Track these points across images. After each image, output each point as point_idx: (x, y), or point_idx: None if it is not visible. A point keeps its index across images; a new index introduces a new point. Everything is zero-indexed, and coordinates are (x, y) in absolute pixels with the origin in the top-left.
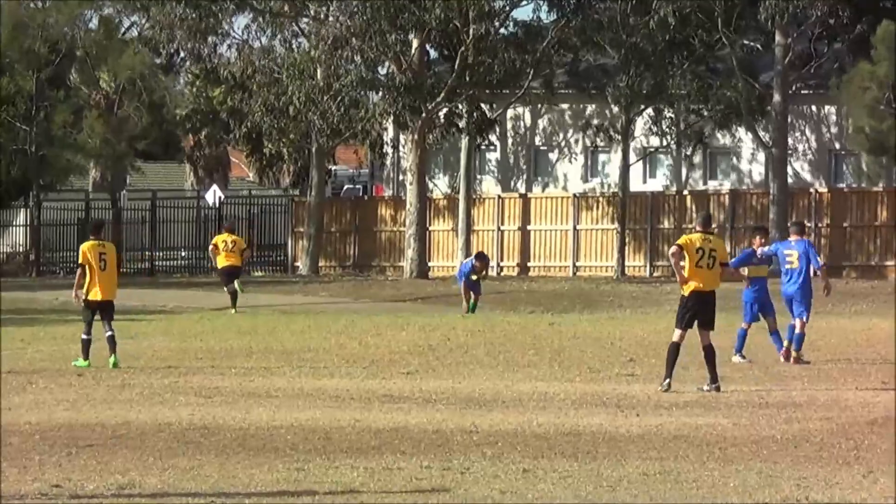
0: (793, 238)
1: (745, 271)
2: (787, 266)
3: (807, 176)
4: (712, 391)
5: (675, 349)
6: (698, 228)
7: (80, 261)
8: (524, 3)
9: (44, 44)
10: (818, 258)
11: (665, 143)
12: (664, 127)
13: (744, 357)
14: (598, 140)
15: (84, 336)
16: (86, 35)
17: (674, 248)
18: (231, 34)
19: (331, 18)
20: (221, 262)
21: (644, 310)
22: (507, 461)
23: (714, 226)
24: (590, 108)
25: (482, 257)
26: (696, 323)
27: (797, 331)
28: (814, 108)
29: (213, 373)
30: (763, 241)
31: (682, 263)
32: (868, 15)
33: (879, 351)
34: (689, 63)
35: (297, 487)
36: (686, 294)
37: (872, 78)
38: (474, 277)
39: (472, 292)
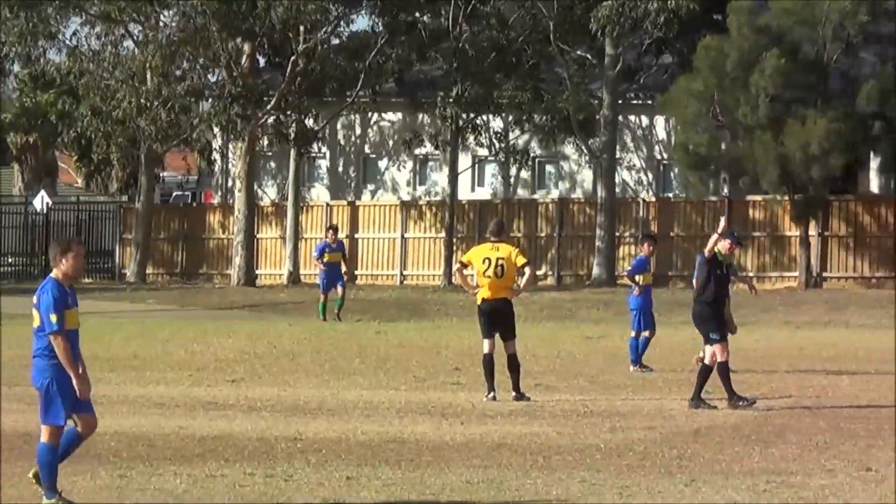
0: None
1: (640, 279)
2: None
3: (635, 185)
4: (523, 400)
5: (487, 360)
6: (491, 237)
7: None
8: (357, 12)
9: None
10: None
11: (493, 152)
12: (492, 137)
13: (644, 367)
14: (427, 149)
15: None
16: None
17: (457, 266)
18: (60, 38)
19: (162, 24)
20: None
21: (471, 318)
22: (330, 469)
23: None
24: (420, 118)
25: (332, 227)
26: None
27: None
28: (643, 118)
29: None
30: (651, 248)
31: (469, 274)
32: (696, 28)
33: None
34: (519, 74)
35: (119, 495)
36: (478, 303)
37: (691, 92)
38: (326, 258)
39: (333, 284)
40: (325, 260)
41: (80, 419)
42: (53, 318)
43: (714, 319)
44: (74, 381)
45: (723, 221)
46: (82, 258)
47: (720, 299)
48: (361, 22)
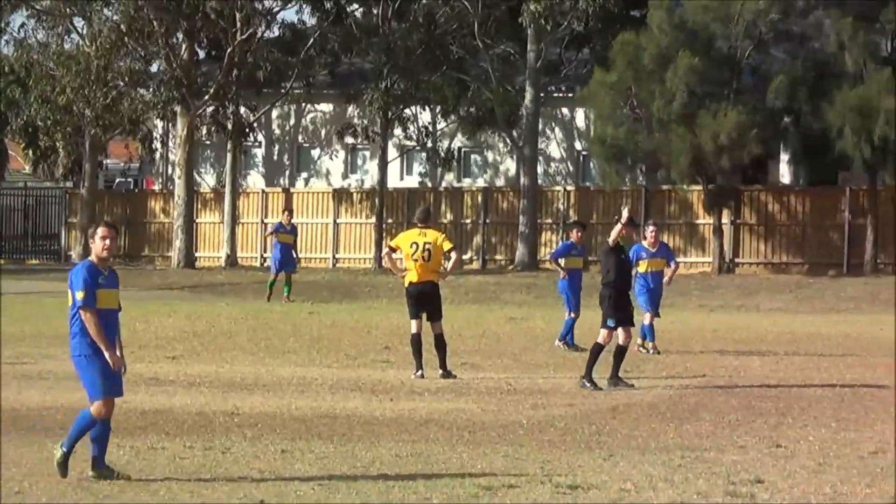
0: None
1: (563, 262)
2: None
3: (557, 175)
4: (449, 378)
5: (415, 340)
6: (418, 223)
7: None
8: (290, 6)
9: None
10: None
11: (421, 142)
12: (420, 127)
13: (569, 345)
14: (358, 139)
15: None
16: None
17: (385, 250)
18: (9, 31)
19: (105, 16)
20: None
21: (400, 300)
22: (266, 442)
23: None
24: (351, 109)
25: (288, 210)
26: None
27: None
28: (564, 110)
29: None
30: (581, 234)
31: (397, 258)
32: (614, 24)
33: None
34: (446, 68)
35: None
36: (406, 286)
37: (607, 86)
38: (280, 237)
39: (284, 266)
40: (278, 238)
41: None
42: (80, 294)
43: (614, 304)
44: (106, 354)
45: (625, 212)
46: (108, 240)
47: (624, 284)
48: (290, 13)
